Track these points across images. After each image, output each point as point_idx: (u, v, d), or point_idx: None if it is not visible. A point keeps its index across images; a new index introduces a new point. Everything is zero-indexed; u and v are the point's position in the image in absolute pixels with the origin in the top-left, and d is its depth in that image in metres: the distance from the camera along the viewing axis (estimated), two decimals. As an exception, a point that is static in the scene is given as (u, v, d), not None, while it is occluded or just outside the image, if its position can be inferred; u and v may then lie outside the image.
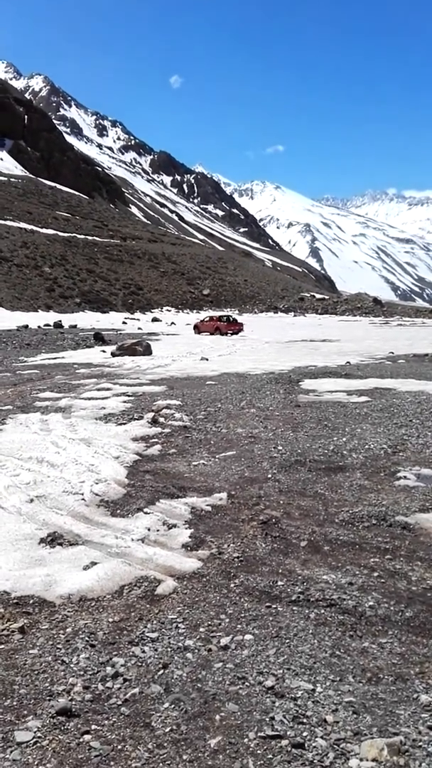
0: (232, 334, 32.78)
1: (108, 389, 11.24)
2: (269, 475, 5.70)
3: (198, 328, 35.44)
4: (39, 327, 37.73)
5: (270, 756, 2.24)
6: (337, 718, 2.41)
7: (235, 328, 33.46)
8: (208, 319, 36.20)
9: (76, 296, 56.38)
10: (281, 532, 4.35)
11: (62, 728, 2.41)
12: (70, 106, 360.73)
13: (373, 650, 2.90)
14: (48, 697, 2.60)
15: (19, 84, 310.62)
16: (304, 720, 2.41)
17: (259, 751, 2.26)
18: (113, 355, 19.01)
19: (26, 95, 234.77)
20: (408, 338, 29.72)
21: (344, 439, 7.02)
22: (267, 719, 2.42)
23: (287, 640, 2.99)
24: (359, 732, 2.33)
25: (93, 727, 2.42)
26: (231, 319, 35.25)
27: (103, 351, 20.82)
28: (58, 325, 38.51)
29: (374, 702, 2.52)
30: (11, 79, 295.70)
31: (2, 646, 3.01)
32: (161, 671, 2.77)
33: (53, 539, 4.26)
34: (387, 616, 3.19)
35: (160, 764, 2.22)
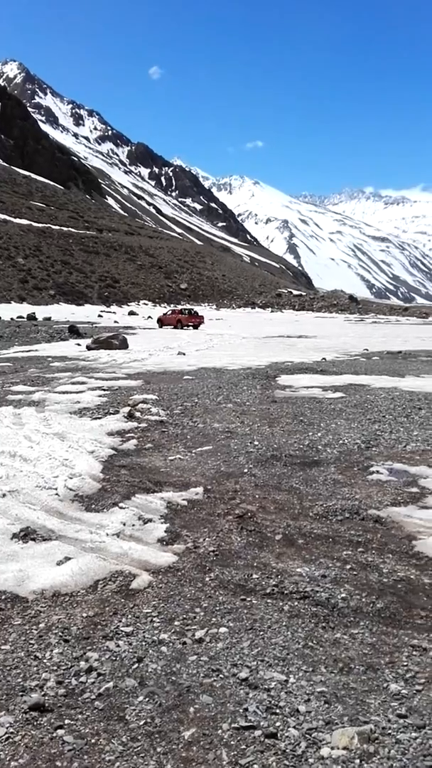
0: (192, 327, 33.98)
1: (83, 383, 11.15)
2: (245, 470, 5.73)
3: (162, 321, 36.50)
4: (12, 319, 37.13)
5: (243, 746, 2.26)
6: (310, 708, 2.45)
7: (194, 321, 34.65)
8: (170, 312, 37.45)
9: (50, 288, 55.62)
10: (256, 525, 4.39)
11: (35, 723, 2.40)
12: (45, 94, 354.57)
13: (345, 641, 2.95)
14: (21, 693, 2.58)
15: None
16: (277, 710, 2.44)
17: (232, 742, 2.29)
18: (88, 348, 18.84)
19: (0, 81, 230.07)
20: (382, 335, 30.14)
21: (319, 434, 7.09)
22: (240, 710, 2.45)
23: (261, 633, 3.02)
24: (331, 721, 2.37)
25: (66, 721, 2.41)
26: (192, 312, 36.38)
27: (78, 344, 20.61)
28: (31, 317, 37.97)
29: (345, 692, 2.56)
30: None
31: (-26, 642, 2.98)
32: (136, 665, 2.78)
33: (26, 534, 4.22)
34: (359, 608, 3.25)
35: (134, 757, 2.23)
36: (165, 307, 56.73)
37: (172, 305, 59.92)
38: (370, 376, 12.34)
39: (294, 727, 2.34)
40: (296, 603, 3.30)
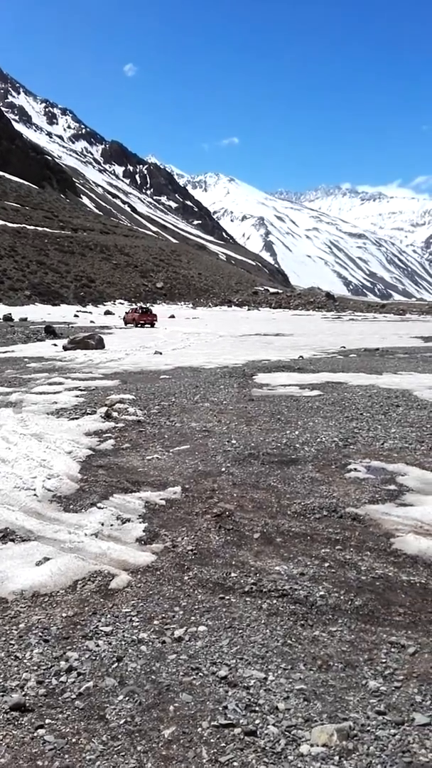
0: (144, 324, 35.60)
1: (60, 383, 11.06)
2: (223, 469, 5.76)
3: (125, 320, 38.15)
4: (-13, 319, 36.65)
5: (223, 744, 2.29)
6: (289, 706, 2.48)
7: (146, 319, 36.23)
8: (131, 311, 39.17)
9: (26, 288, 55.05)
10: (235, 524, 4.42)
11: (16, 723, 2.40)
12: (18, 93, 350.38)
13: (323, 638, 2.99)
14: (1, 693, 2.57)
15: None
16: (257, 708, 2.47)
17: (212, 740, 2.31)
18: (65, 348, 18.69)
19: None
20: (359, 333, 30.48)
21: (297, 432, 7.16)
22: (220, 708, 2.47)
23: (240, 631, 3.05)
24: (310, 718, 2.41)
25: (47, 721, 2.41)
26: (146, 310, 37.88)
27: (55, 345, 20.43)
28: (7, 318, 37.60)
29: (324, 689, 2.60)
30: None
31: None
32: (115, 664, 2.78)
33: (5, 535, 4.19)
34: (337, 605, 3.29)
35: (115, 756, 2.24)
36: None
37: (148, 304, 59.78)
38: (348, 373, 12.47)
39: (273, 725, 2.37)
40: (275, 601, 3.34)
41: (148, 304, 49.49)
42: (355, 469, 5.69)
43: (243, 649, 2.89)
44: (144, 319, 36.21)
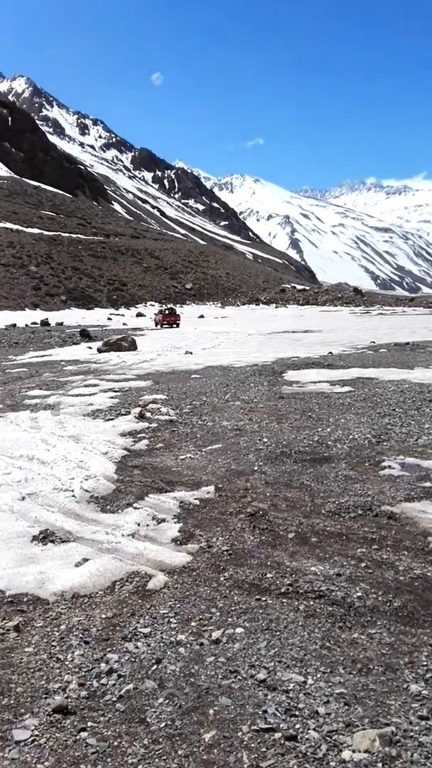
0: (171, 325, 36.32)
1: (95, 385, 11.21)
2: (255, 468, 5.74)
3: (155, 321, 38.97)
4: (26, 325, 37.57)
5: (264, 749, 2.27)
6: (329, 710, 2.45)
7: (170, 319, 36.94)
8: (158, 312, 39.94)
9: (61, 294, 56.25)
10: (269, 524, 4.40)
11: (59, 726, 2.43)
12: (52, 107, 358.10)
13: (362, 641, 2.95)
14: (44, 695, 2.61)
15: (1, 86, 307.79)
16: (297, 712, 2.45)
17: (252, 745, 2.30)
18: (99, 351, 18.94)
19: (9, 97, 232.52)
20: (389, 327, 29.97)
21: (328, 429, 7.09)
22: (260, 712, 2.46)
23: (278, 633, 3.03)
24: (351, 723, 2.37)
25: (89, 724, 2.44)
26: (170, 311, 38.80)
27: (89, 347, 20.71)
28: (45, 323, 38.45)
29: (365, 693, 2.56)
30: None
31: (-3, 646, 3.02)
32: (155, 666, 2.80)
33: (45, 536, 4.27)
34: (375, 607, 3.25)
35: (156, 759, 2.25)
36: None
37: (178, 305, 60.24)
38: (378, 369, 12.29)
39: (314, 730, 2.34)
40: (312, 602, 3.31)
41: (172, 305, 50.12)
42: (390, 467, 5.60)
43: (281, 651, 2.87)
44: (168, 320, 36.98)
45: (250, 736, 2.34)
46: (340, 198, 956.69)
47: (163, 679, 2.70)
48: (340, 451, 6.20)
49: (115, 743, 2.34)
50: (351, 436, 6.71)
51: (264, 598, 3.38)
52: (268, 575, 3.63)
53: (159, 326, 36.89)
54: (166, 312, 38.46)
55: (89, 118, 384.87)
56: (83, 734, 2.38)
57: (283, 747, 2.27)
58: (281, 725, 2.38)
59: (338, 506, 4.68)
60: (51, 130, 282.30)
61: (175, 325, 36.33)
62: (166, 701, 2.56)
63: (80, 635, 3.08)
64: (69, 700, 2.58)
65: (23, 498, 4.97)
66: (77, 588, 3.57)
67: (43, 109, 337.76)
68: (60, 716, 2.48)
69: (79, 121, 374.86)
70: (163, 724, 2.42)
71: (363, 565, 3.72)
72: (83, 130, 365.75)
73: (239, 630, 3.07)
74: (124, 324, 40.09)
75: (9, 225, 71.02)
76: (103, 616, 3.27)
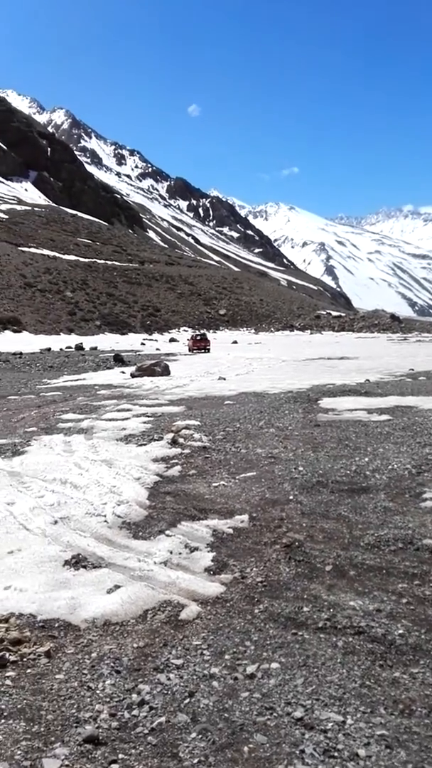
0: (200, 350, 37.24)
1: (128, 410, 11.29)
2: (291, 497, 5.64)
3: (188, 347, 39.83)
4: (61, 349, 38.40)
5: (301, 791, 2.18)
6: (370, 753, 2.34)
7: (201, 344, 37.91)
8: (190, 338, 41.03)
9: (96, 319, 57.38)
10: (305, 555, 4.29)
11: (89, 756, 2.38)
12: (90, 138, 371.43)
13: (404, 681, 2.82)
14: (75, 724, 2.57)
15: (42, 118, 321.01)
16: (335, 754, 2.34)
17: (290, 786, 2.21)
18: (132, 376, 19.15)
19: (49, 128, 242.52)
20: (428, 354, 29.42)
21: (366, 459, 6.94)
22: (297, 752, 2.36)
23: (315, 669, 2.93)
24: None
25: (120, 756, 2.39)
26: (201, 337, 39.60)
27: (123, 372, 20.98)
28: (79, 347, 39.21)
29: (408, 736, 2.44)
30: (35, 114, 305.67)
31: (29, 670, 3.00)
32: (187, 699, 2.73)
33: (77, 561, 4.27)
34: (418, 645, 3.11)
35: (189, 797, 2.18)
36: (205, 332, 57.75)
37: (211, 330, 60.79)
38: (418, 397, 12.03)
39: (354, 772, 2.24)
40: (351, 639, 3.20)
41: (203, 331, 51.07)
42: (431, 498, 5.42)
43: (319, 689, 2.77)
44: (198, 345, 37.96)
45: (287, 777, 2.25)
46: (376, 225, 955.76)
47: (196, 713, 2.63)
48: (378, 481, 6.05)
49: (147, 778, 2.27)
50: (390, 466, 6.55)
51: (300, 633, 3.28)
52: (305, 609, 3.53)
53: (191, 351, 37.78)
54: (198, 338, 39.49)
55: (126, 149, 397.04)
56: (114, 766, 2.33)
57: (322, 791, 2.17)
58: (319, 767, 2.27)
59: (377, 539, 4.54)
60: (89, 160, 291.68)
61: (205, 350, 37.20)
62: (199, 736, 2.49)
63: (111, 664, 3.04)
64: (100, 730, 2.53)
65: (56, 522, 4.99)
66: (109, 615, 3.54)
67: (82, 140, 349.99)
68: (91, 746, 2.43)
69: (116, 151, 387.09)
70: (196, 760, 2.35)
71: (404, 601, 3.58)
72: (120, 160, 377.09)
73: (275, 665, 2.98)
74: (158, 349, 40.57)
75: (46, 252, 73.22)
76: (135, 645, 3.23)
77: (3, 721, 2.60)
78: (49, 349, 37.73)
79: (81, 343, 41.08)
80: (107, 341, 48.13)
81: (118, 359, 26.36)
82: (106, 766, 2.33)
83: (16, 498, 5.61)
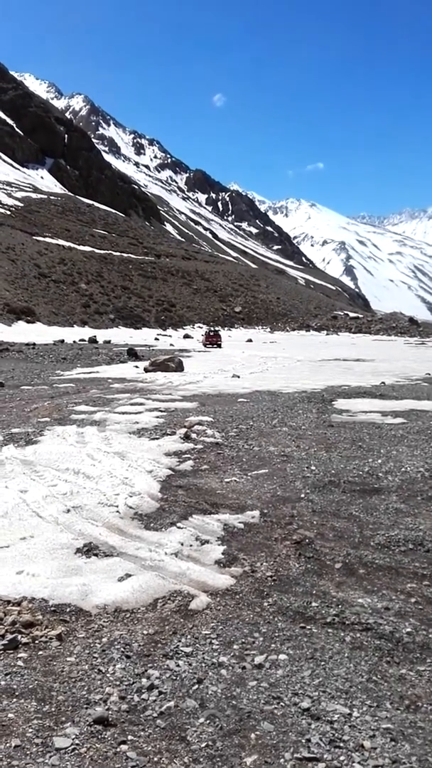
0: (212, 345, 39.58)
1: (141, 404, 11.37)
2: (302, 495, 5.67)
3: (203, 342, 42.24)
4: (75, 342, 38.56)
5: (307, 778, 2.22)
6: (375, 745, 2.38)
7: (213, 340, 40.46)
8: (204, 334, 43.68)
9: (110, 312, 57.45)
10: (315, 552, 4.33)
11: (99, 737, 2.44)
12: (108, 125, 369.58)
13: (411, 677, 2.85)
14: (85, 705, 2.63)
15: (60, 104, 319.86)
16: (341, 744, 2.38)
17: (295, 773, 2.25)
18: (146, 370, 19.24)
19: (67, 114, 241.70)
20: (444, 360, 29.19)
21: (379, 461, 6.94)
22: (303, 741, 2.40)
23: (322, 663, 2.97)
24: (398, 760, 2.29)
25: (129, 737, 2.44)
26: (215, 333, 42.28)
27: (136, 366, 21.08)
28: (92, 340, 39.34)
29: (413, 730, 2.47)
30: (53, 99, 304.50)
31: (41, 653, 3.07)
32: (196, 686, 2.78)
33: (89, 549, 4.33)
34: (425, 644, 3.13)
35: (196, 780, 2.23)
36: (219, 330, 57.85)
37: (226, 328, 60.86)
38: (432, 402, 11.97)
39: (359, 763, 2.27)
40: (358, 634, 3.23)
41: (216, 328, 51.95)
42: (443, 502, 5.42)
43: (326, 681, 2.80)
44: (211, 340, 40.45)
45: (293, 764, 2.29)
46: (399, 225, 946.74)
47: (204, 700, 2.68)
48: (391, 483, 6.06)
49: (155, 759, 2.33)
50: (403, 469, 6.55)
51: (309, 627, 3.32)
52: (314, 604, 3.57)
53: (204, 346, 39.67)
54: (211, 333, 41.79)
55: (145, 138, 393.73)
56: (123, 747, 2.38)
57: (327, 779, 2.21)
58: (325, 755, 2.32)
59: (388, 539, 4.56)
60: (107, 148, 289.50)
61: (217, 346, 39.25)
62: (207, 721, 2.53)
63: (122, 649, 3.10)
64: (110, 712, 2.59)
65: (68, 510, 5.07)
66: (119, 602, 3.60)
67: (100, 128, 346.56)
68: (101, 727, 2.49)
69: (135, 140, 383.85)
70: (204, 744, 2.40)
71: (413, 600, 3.61)
72: (139, 149, 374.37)
73: (283, 657, 3.02)
74: (171, 345, 40.67)
75: (61, 242, 72.96)
76: (145, 632, 3.28)
77: (15, 700, 2.66)
78: (62, 341, 37.92)
79: (94, 336, 41.22)
80: (121, 335, 48.34)
81: (132, 353, 26.48)
82: (116, 747, 2.39)
83: (29, 486, 5.70)
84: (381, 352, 34.70)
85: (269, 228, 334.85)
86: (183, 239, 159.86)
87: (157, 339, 46.93)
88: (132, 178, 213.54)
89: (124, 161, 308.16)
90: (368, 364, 24.41)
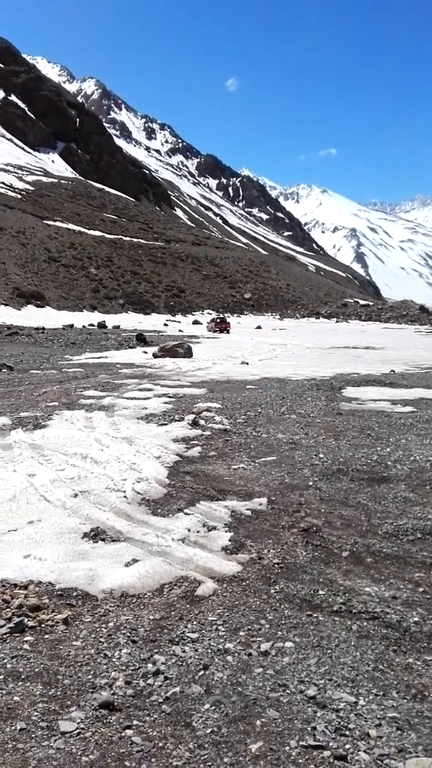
0: (220, 331, 40.20)
1: (149, 390, 11.36)
2: (310, 483, 5.65)
3: (208, 328, 42.92)
4: (84, 326, 38.59)
5: (312, 766, 2.21)
6: (381, 733, 2.37)
7: (221, 326, 41.19)
8: (211, 320, 44.27)
9: (119, 297, 57.40)
10: (322, 540, 4.31)
11: (104, 721, 2.45)
12: (120, 110, 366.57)
13: (417, 667, 2.83)
14: (91, 690, 2.64)
15: (72, 87, 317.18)
16: (347, 732, 2.37)
17: (300, 760, 2.24)
18: (155, 356, 19.22)
19: (78, 98, 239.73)
20: (455, 348, 28.93)
21: (388, 449, 6.89)
22: (309, 728, 2.40)
23: (329, 651, 2.95)
24: (403, 749, 2.28)
25: (135, 722, 2.45)
26: (222, 320, 42.97)
27: (145, 352, 21.07)
28: (102, 325, 39.34)
29: (419, 720, 2.46)
30: (65, 82, 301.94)
31: (47, 636, 3.08)
32: (202, 672, 2.78)
33: (96, 534, 4.34)
34: (433, 633, 3.11)
35: (201, 765, 2.22)
36: (228, 316, 57.68)
37: (235, 314, 60.67)
38: (442, 390, 11.88)
39: (365, 751, 2.26)
40: (365, 623, 3.21)
41: (223, 315, 52.39)
42: (452, 491, 5.38)
43: (332, 669, 2.79)
44: (219, 327, 41.03)
45: (298, 751, 2.28)
46: (411, 213, 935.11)
47: (210, 686, 2.68)
48: (399, 471, 6.02)
49: (161, 744, 2.33)
50: (412, 458, 6.50)
51: (315, 615, 3.30)
52: (320, 592, 3.55)
53: (211, 332, 40.29)
54: (218, 320, 42.54)
55: (157, 123, 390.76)
56: (128, 732, 2.38)
57: (332, 765, 2.21)
58: (331, 743, 2.31)
59: (396, 528, 4.53)
60: (118, 133, 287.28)
61: (225, 332, 39.81)
62: (213, 707, 2.53)
63: (128, 634, 3.10)
64: (115, 696, 2.59)
65: (76, 495, 5.07)
66: (126, 587, 3.60)
67: (111, 112, 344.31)
68: (106, 712, 2.50)
69: (146, 125, 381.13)
70: (209, 730, 2.39)
71: (421, 590, 3.58)
72: (150, 134, 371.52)
73: (289, 644, 3.01)
74: (180, 331, 40.63)
75: (72, 226, 72.71)
76: (151, 617, 3.28)
77: (21, 683, 2.67)
78: (71, 326, 37.95)
79: (104, 321, 41.22)
80: (130, 320, 48.30)
81: (141, 339, 26.46)
82: (121, 732, 2.39)
83: (37, 470, 5.71)
84: (391, 340, 34.45)
85: (280, 214, 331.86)
86: (193, 225, 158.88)
87: (166, 325, 46.87)
88: (143, 162, 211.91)
89: (135, 146, 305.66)
90: (378, 352, 24.24)
